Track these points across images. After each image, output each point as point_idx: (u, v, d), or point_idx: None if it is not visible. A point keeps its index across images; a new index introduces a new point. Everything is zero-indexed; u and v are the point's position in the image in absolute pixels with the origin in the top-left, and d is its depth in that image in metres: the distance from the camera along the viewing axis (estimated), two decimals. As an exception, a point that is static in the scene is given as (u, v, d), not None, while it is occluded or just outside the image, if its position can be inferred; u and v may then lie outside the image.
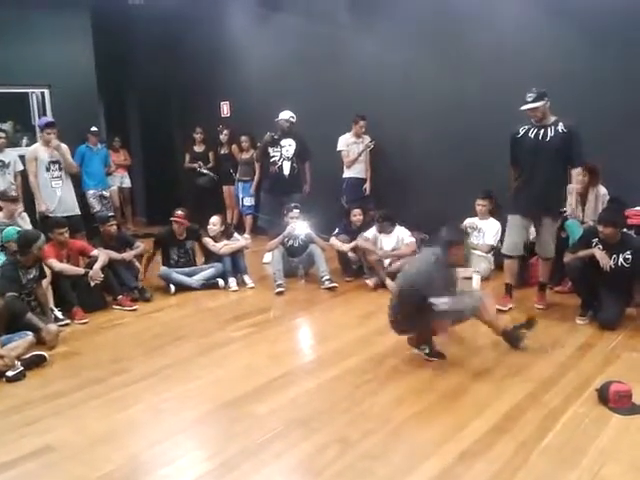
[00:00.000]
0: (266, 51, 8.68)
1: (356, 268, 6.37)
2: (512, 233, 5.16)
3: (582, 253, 4.75)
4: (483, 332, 4.69)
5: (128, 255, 6.13)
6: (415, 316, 3.98)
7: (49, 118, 6.62)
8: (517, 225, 5.12)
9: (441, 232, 4.18)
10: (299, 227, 6.31)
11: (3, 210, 6.01)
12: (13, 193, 6.27)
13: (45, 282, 5.24)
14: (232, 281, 6.23)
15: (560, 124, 4.84)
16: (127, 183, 9.98)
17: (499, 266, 6.23)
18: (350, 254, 6.28)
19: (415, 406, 3.46)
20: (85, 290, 5.51)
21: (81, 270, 5.57)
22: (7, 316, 4.50)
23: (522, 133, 4.97)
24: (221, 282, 6.25)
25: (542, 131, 4.87)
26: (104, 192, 8.89)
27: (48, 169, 6.58)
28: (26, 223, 6.19)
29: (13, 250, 5.11)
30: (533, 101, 4.77)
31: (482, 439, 3.06)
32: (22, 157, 7.98)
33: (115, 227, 6.24)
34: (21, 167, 7.85)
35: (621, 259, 4.63)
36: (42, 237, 5.03)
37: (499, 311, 5.02)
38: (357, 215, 6.52)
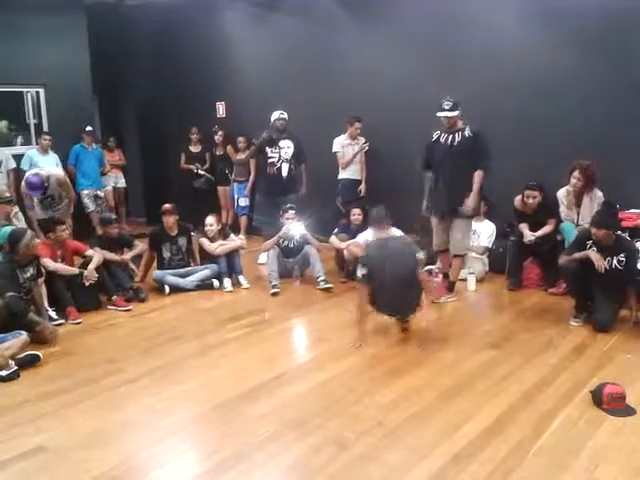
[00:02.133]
0: (262, 52, 8.68)
1: (352, 269, 6.36)
2: (435, 234, 5.65)
3: (577, 255, 4.77)
4: (478, 335, 4.71)
5: (127, 255, 6.12)
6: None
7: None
8: (435, 226, 5.61)
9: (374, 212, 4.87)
10: (294, 228, 6.30)
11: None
12: (7, 194, 6.24)
13: (39, 281, 5.21)
14: (227, 282, 6.22)
15: (467, 129, 5.26)
16: (122, 183, 9.94)
17: (493, 268, 6.28)
18: (345, 254, 6.28)
19: (410, 408, 3.46)
20: (79, 290, 5.49)
21: (75, 270, 5.55)
22: (6, 316, 4.48)
23: (435, 138, 5.43)
24: (216, 283, 6.24)
25: (451, 137, 5.31)
26: (98, 192, 8.89)
27: None
28: (21, 223, 6.18)
29: (7, 250, 5.09)
30: (450, 110, 5.20)
31: (476, 441, 3.07)
32: (14, 156, 8.03)
33: (116, 229, 6.24)
34: (14, 165, 7.85)
35: (615, 261, 4.65)
36: (28, 234, 4.99)
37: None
38: (357, 215, 6.52)
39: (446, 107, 5.20)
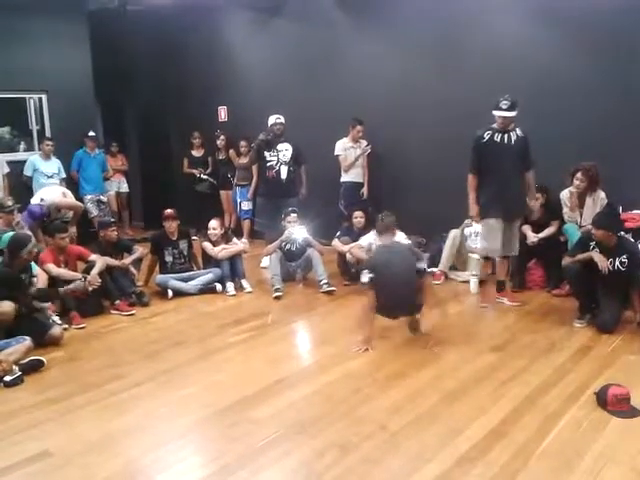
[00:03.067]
0: (263, 56, 8.70)
1: (354, 272, 6.35)
2: (497, 235, 5.25)
3: (580, 256, 4.77)
4: (481, 337, 4.70)
5: (128, 260, 6.13)
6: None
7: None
8: (498, 227, 5.25)
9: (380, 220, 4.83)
10: (297, 231, 6.31)
11: (1, 220, 6.01)
12: (9, 203, 6.27)
13: (42, 285, 5.21)
14: (230, 286, 6.22)
15: (518, 130, 5.17)
16: (124, 188, 9.98)
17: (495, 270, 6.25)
18: (348, 257, 6.27)
19: (413, 411, 3.45)
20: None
21: (78, 275, 5.55)
22: (8, 325, 4.49)
23: (487, 138, 5.17)
24: (219, 287, 6.24)
25: (506, 136, 5.15)
26: (101, 197, 8.92)
27: None
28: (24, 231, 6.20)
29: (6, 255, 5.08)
30: (508, 109, 5.02)
31: (480, 443, 3.06)
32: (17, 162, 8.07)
33: (115, 233, 6.25)
34: (7, 169, 7.89)
35: (617, 263, 4.64)
36: (32, 241, 4.99)
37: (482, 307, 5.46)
38: (359, 217, 6.52)
39: (504, 106, 5.00)
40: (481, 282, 5.94)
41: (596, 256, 4.65)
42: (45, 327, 4.82)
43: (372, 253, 4.70)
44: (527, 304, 5.44)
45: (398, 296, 4.42)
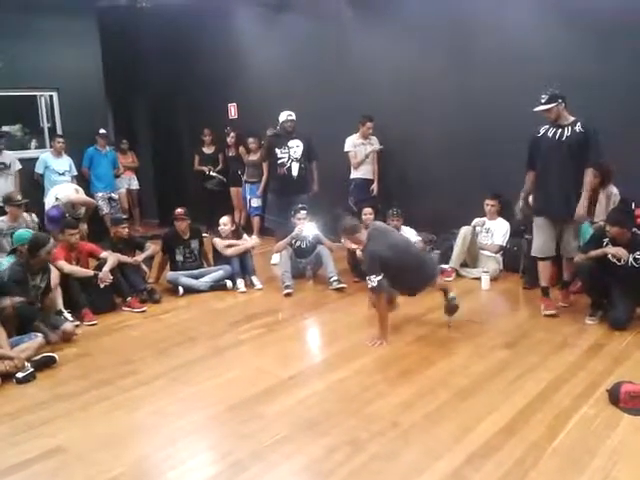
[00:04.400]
0: (273, 53, 8.69)
1: (364, 268, 6.34)
2: (541, 234, 5.07)
3: (593, 253, 4.72)
4: (493, 334, 4.68)
5: (140, 257, 6.16)
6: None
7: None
8: (545, 226, 5.04)
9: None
10: (307, 228, 6.30)
11: (8, 214, 6.06)
12: (19, 197, 6.33)
13: (54, 283, 5.23)
14: (240, 282, 6.24)
15: (578, 124, 4.83)
16: (135, 185, 10.03)
17: (508, 267, 6.23)
18: (359, 253, 6.25)
19: (424, 407, 3.45)
20: (94, 292, 5.54)
21: (90, 272, 5.60)
22: (16, 320, 4.51)
23: (542, 133, 4.96)
24: (229, 283, 6.25)
25: (560, 131, 4.87)
26: (113, 194, 8.96)
27: None
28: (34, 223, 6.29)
29: (25, 253, 5.12)
30: (545, 103, 4.82)
31: (491, 441, 3.05)
32: (29, 160, 8.11)
33: (127, 230, 6.28)
34: (19, 166, 7.94)
35: (631, 259, 4.61)
36: (52, 241, 5.04)
37: (546, 316, 4.99)
38: (368, 214, 6.51)
39: (542, 100, 4.82)
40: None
41: (611, 249, 4.61)
42: (57, 324, 4.85)
43: (369, 253, 4.60)
44: (535, 302, 5.41)
45: (413, 271, 4.58)
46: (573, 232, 5.03)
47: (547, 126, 4.95)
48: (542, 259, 5.11)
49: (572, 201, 4.83)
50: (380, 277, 4.41)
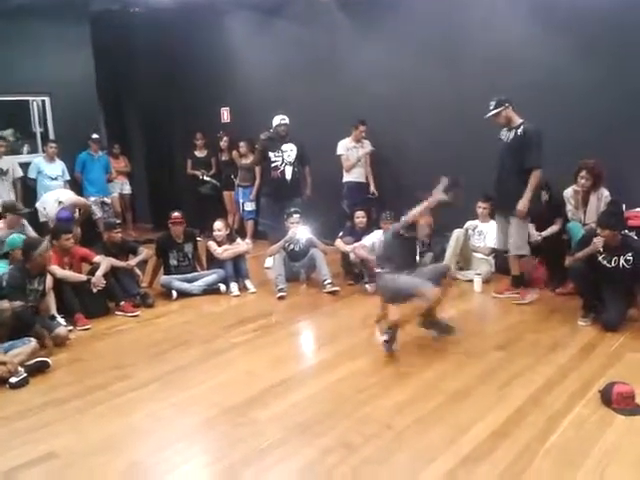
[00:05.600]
0: (266, 57, 8.70)
1: (358, 272, 6.37)
2: (498, 230, 5.68)
3: (580, 254, 4.77)
4: (486, 336, 4.70)
5: (133, 262, 6.15)
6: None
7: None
8: (499, 222, 5.63)
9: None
10: (300, 232, 6.31)
11: (6, 220, 6.02)
12: (21, 206, 6.34)
13: (47, 288, 5.22)
14: (234, 286, 6.24)
15: (521, 127, 5.21)
16: (127, 190, 10.02)
17: (500, 269, 6.25)
18: (352, 256, 6.27)
19: (418, 410, 3.46)
20: (87, 296, 5.52)
21: (83, 277, 5.58)
22: (13, 325, 4.50)
23: (500, 136, 5.39)
24: (223, 287, 6.25)
25: (508, 133, 5.30)
26: (105, 199, 8.94)
27: None
28: (29, 231, 6.25)
29: (19, 258, 5.11)
30: (493, 108, 5.23)
31: (485, 443, 3.06)
32: (21, 165, 8.08)
33: (119, 235, 6.27)
34: (20, 174, 7.91)
35: (622, 261, 4.64)
36: (45, 243, 5.03)
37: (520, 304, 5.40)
38: (360, 217, 6.52)
39: (490, 107, 5.23)
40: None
41: (592, 246, 4.69)
42: (50, 328, 4.84)
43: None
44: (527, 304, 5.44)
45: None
46: (513, 229, 5.37)
47: (503, 130, 5.37)
48: (504, 251, 5.63)
49: (513, 200, 5.23)
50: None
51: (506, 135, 5.31)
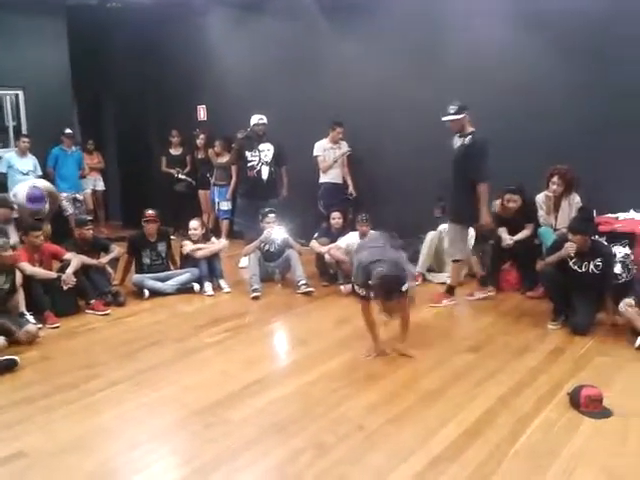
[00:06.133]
0: (244, 55, 8.67)
1: (333, 273, 6.37)
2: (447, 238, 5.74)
3: (551, 258, 4.85)
4: (457, 338, 4.74)
5: (105, 260, 6.08)
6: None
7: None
8: (449, 230, 5.65)
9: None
10: (276, 232, 6.30)
11: None
12: (11, 199, 6.25)
13: (17, 284, 5.13)
14: (208, 285, 6.20)
15: (469, 137, 5.16)
16: (100, 186, 9.90)
17: (472, 272, 6.29)
18: (327, 257, 6.28)
19: (390, 411, 3.48)
20: (58, 294, 5.44)
21: (53, 274, 5.51)
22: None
23: (453, 142, 5.35)
24: (196, 287, 6.21)
25: (458, 141, 5.26)
26: (77, 195, 8.82)
27: None
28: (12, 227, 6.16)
29: None
30: (455, 113, 5.12)
31: (455, 443, 3.09)
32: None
33: (91, 231, 6.20)
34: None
35: (592, 266, 4.72)
36: (2, 241, 4.89)
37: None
38: (336, 218, 6.53)
39: (451, 111, 5.12)
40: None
41: (563, 251, 4.74)
42: (20, 325, 4.76)
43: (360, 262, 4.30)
44: (499, 307, 5.50)
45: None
46: (456, 235, 5.49)
47: (455, 136, 5.31)
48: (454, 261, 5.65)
49: (459, 209, 5.33)
50: (363, 290, 4.22)
51: (455, 142, 5.29)
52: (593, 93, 5.87)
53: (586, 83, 5.89)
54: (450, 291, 5.63)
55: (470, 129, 5.18)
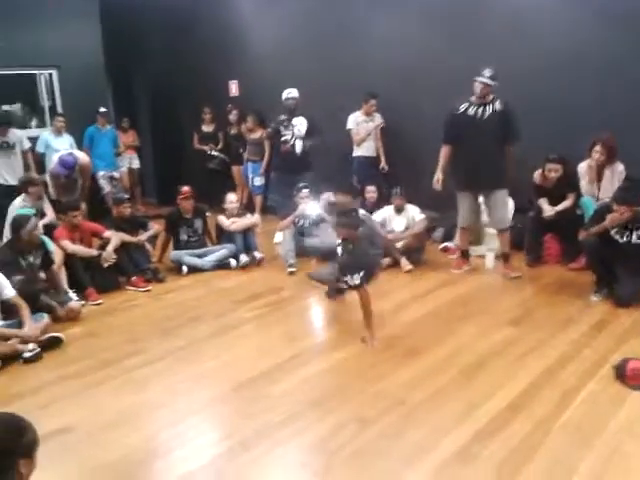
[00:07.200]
0: (275, 29, 8.56)
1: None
2: (463, 207, 5.60)
3: (594, 229, 4.71)
4: (498, 311, 4.68)
5: (144, 237, 6.15)
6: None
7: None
8: (466, 199, 5.56)
9: None
10: (310, 207, 6.28)
11: (30, 195, 5.99)
12: (37, 176, 6.38)
13: (58, 263, 5.21)
14: (243, 256, 6.23)
15: (497, 102, 5.19)
16: (136, 164, 9.96)
17: (512, 244, 6.18)
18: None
19: (431, 386, 3.45)
20: (98, 271, 5.53)
21: (94, 251, 5.59)
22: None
23: (462, 110, 5.31)
24: (233, 262, 6.24)
25: (481, 109, 5.23)
26: (114, 173, 8.91)
27: None
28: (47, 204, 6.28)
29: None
30: (490, 78, 5.13)
31: (498, 417, 3.06)
32: (30, 138, 8.00)
33: (128, 209, 6.27)
34: (29, 144, 7.79)
35: (634, 236, 4.59)
36: (32, 221, 4.84)
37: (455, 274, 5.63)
38: (371, 192, 6.48)
39: (487, 74, 5.13)
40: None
41: (607, 222, 4.61)
42: (63, 302, 4.86)
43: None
44: (540, 279, 5.40)
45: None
46: (499, 204, 5.43)
47: (467, 104, 5.29)
48: (462, 228, 5.71)
49: (495, 175, 5.29)
50: (361, 274, 4.13)
51: (478, 111, 5.24)
52: (637, 61, 5.63)
53: (631, 49, 5.65)
54: (506, 259, 5.59)
55: (491, 95, 5.23)
